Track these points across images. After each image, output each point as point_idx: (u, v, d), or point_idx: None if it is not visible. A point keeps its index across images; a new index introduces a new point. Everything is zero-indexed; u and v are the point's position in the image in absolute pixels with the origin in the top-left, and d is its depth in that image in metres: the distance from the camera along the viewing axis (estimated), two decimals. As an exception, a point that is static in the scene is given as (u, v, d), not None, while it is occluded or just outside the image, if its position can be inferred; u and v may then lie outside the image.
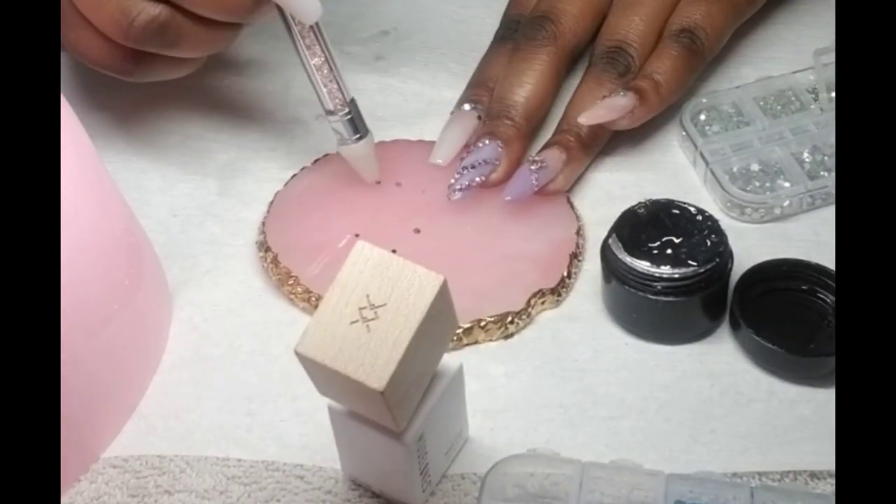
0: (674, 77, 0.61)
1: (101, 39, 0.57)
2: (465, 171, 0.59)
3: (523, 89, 0.61)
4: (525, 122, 0.61)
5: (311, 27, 0.57)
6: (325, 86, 0.58)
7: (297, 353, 0.44)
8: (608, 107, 0.59)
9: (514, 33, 0.64)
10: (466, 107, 0.62)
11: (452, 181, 0.59)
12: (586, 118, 0.59)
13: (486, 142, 0.60)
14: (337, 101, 0.58)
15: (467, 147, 0.61)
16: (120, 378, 0.53)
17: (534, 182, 0.59)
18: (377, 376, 0.43)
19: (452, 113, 0.63)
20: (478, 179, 0.59)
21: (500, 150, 0.59)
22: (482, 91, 0.63)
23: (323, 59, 0.58)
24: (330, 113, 0.59)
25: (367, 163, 0.60)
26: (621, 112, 0.59)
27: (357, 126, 0.59)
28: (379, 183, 0.60)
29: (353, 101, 0.59)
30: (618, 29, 0.62)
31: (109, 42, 0.57)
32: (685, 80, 0.62)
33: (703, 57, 0.62)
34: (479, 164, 0.59)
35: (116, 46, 0.57)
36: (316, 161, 0.63)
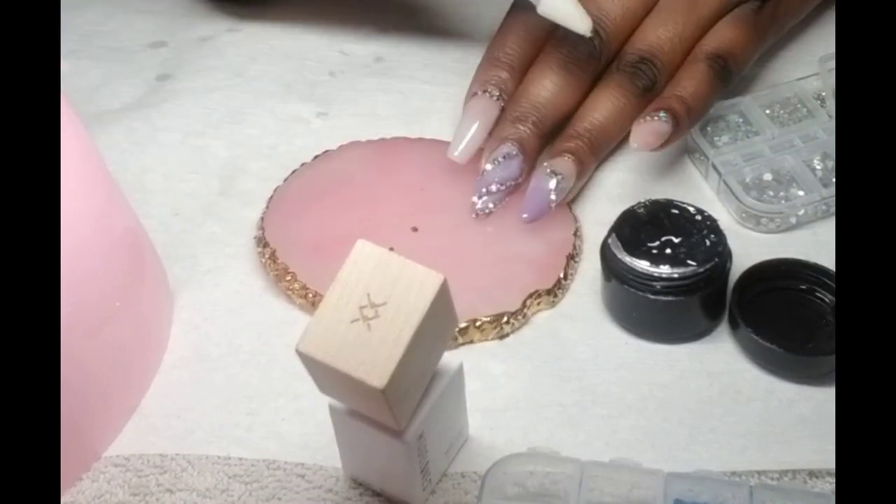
0: (702, 102, 0.59)
1: None
2: (491, 192, 0.58)
3: (557, 99, 0.60)
4: (547, 132, 0.60)
5: None
6: None
7: (297, 352, 0.44)
8: (655, 132, 0.57)
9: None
10: (488, 94, 0.61)
11: (476, 197, 0.59)
12: (639, 144, 0.58)
13: (511, 154, 0.59)
14: None
15: (488, 140, 0.60)
16: (121, 377, 0.54)
17: (552, 202, 0.58)
18: (378, 374, 0.43)
19: (471, 96, 0.61)
20: (502, 202, 0.59)
21: (524, 166, 0.59)
22: (501, 71, 0.61)
23: None
24: None
25: (573, 11, 0.58)
26: (663, 138, 0.58)
27: None
28: (591, 35, 0.58)
29: None
30: (652, 39, 0.60)
31: None
32: (709, 107, 0.61)
33: (728, 85, 0.61)
34: (505, 184, 0.58)
35: None
36: (315, 158, 0.63)
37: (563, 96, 0.60)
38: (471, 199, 0.59)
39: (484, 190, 0.59)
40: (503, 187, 0.59)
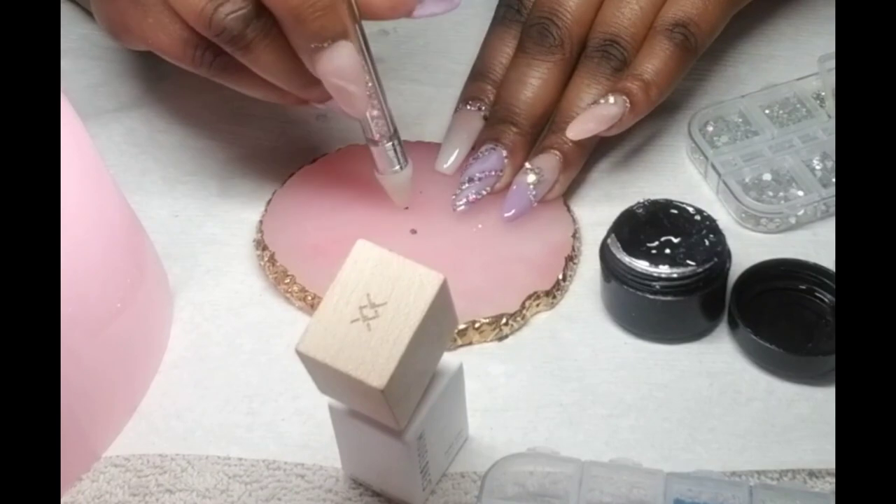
0: (665, 77, 0.59)
1: (179, 26, 0.54)
2: (470, 183, 0.59)
3: (530, 96, 0.60)
4: (530, 130, 0.60)
5: (365, 55, 0.55)
6: (372, 115, 0.56)
7: (297, 352, 0.44)
8: (597, 118, 0.58)
9: (516, 14, 0.63)
10: (469, 106, 0.62)
11: (457, 192, 0.59)
12: (575, 133, 0.58)
13: (491, 149, 0.59)
14: (383, 130, 0.57)
15: (472, 150, 0.61)
16: (121, 377, 0.54)
17: (532, 198, 0.59)
18: (378, 374, 0.43)
19: (456, 111, 0.62)
20: (484, 192, 0.59)
21: (504, 160, 0.59)
22: (485, 84, 0.62)
23: (372, 88, 0.56)
24: (373, 142, 0.57)
25: (404, 191, 0.59)
26: (611, 121, 0.58)
27: (399, 156, 0.57)
28: (408, 209, 0.60)
29: (396, 131, 0.57)
30: (613, 20, 0.61)
31: (188, 31, 0.54)
32: (676, 79, 0.61)
33: (696, 53, 0.61)
34: (484, 175, 0.59)
35: (194, 36, 0.54)
36: (314, 160, 0.63)
37: (536, 93, 0.61)
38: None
39: (466, 179, 0.59)
40: (483, 175, 0.59)
